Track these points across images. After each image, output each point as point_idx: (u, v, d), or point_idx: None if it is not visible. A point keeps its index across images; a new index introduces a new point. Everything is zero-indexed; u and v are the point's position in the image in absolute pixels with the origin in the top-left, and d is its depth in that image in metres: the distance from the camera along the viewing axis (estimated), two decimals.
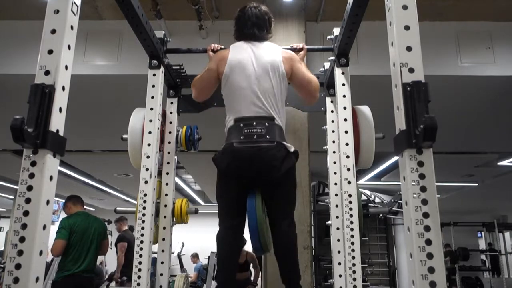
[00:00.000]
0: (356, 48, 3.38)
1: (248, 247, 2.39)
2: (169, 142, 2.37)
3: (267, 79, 1.89)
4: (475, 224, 10.85)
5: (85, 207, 3.91)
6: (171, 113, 2.46)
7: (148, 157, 2.02)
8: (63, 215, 3.78)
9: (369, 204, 6.76)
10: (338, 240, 2.15)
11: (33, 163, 1.05)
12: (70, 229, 3.43)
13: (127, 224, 6.05)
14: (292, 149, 1.90)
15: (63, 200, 3.93)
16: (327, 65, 2.51)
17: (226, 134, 1.92)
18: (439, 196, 8.73)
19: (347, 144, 2.07)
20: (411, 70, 1.10)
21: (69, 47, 1.17)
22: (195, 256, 10.10)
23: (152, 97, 2.11)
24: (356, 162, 2.18)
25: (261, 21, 2.04)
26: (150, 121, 2.08)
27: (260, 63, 1.92)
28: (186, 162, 7.08)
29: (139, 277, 1.87)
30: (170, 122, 2.41)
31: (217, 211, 1.98)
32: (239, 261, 3.13)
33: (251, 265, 5.34)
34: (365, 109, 2.28)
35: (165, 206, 2.26)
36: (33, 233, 1.00)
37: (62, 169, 7.45)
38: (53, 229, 3.69)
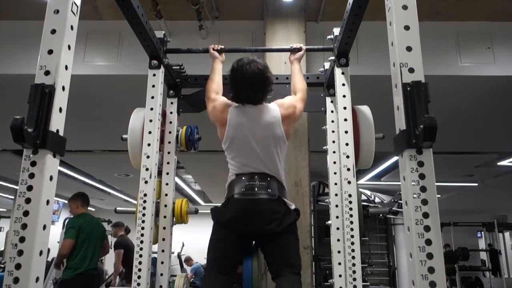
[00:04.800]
0: (356, 48, 3.38)
1: None
2: (169, 142, 2.37)
3: (267, 146, 1.87)
4: (475, 224, 10.85)
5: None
6: (171, 113, 2.46)
7: (148, 157, 2.02)
8: (63, 215, 3.83)
9: (369, 204, 6.76)
10: (338, 240, 2.14)
11: (33, 163, 1.05)
12: (79, 228, 3.58)
13: (123, 230, 6.12)
14: (292, 207, 1.87)
15: (63, 200, 3.98)
16: (327, 65, 2.51)
17: (226, 190, 1.89)
18: (439, 196, 8.73)
19: (347, 144, 2.07)
20: (411, 70, 1.10)
21: (69, 47, 1.17)
22: (188, 260, 10.08)
23: (152, 97, 2.11)
24: (356, 162, 2.18)
25: (259, 83, 1.90)
26: (150, 121, 2.08)
27: (260, 131, 1.87)
28: (186, 162, 7.07)
29: (139, 277, 1.87)
30: (170, 122, 2.41)
31: None
32: None
33: None
34: (365, 109, 2.28)
35: (165, 206, 2.26)
36: (33, 233, 1.00)
37: (62, 169, 7.45)
38: (53, 229, 3.72)
